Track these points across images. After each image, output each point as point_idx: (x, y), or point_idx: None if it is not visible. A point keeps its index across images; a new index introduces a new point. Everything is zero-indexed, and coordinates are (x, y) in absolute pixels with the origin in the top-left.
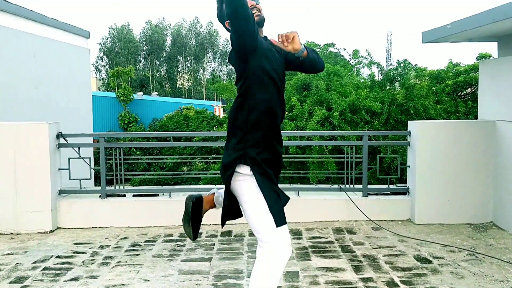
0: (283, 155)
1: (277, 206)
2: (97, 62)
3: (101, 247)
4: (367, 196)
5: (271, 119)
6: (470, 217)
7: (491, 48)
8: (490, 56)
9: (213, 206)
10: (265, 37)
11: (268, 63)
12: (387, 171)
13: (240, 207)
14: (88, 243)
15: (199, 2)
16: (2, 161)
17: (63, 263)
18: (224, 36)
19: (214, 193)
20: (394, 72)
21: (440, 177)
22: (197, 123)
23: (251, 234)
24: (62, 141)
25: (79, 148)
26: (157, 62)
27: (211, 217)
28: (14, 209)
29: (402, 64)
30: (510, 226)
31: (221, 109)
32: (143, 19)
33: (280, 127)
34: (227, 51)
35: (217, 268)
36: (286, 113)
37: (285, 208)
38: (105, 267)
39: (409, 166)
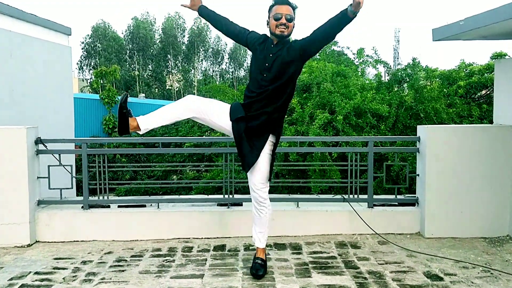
0: (283, 163)
1: None
2: (81, 62)
3: (84, 262)
4: (372, 207)
5: None
6: (485, 230)
7: (507, 46)
8: (506, 55)
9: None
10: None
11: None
12: (395, 180)
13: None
14: (69, 258)
15: None
16: None
17: (42, 280)
18: (215, 33)
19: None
20: (403, 73)
21: (452, 186)
22: (188, 128)
23: (246, 248)
24: (41, 147)
25: (59, 154)
26: (144, 61)
27: (204, 231)
28: None
29: (411, 64)
30: None
31: None
32: (129, 16)
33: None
34: (220, 49)
35: (210, 286)
36: (286, 116)
37: (283, 220)
38: (88, 284)
39: (418, 175)
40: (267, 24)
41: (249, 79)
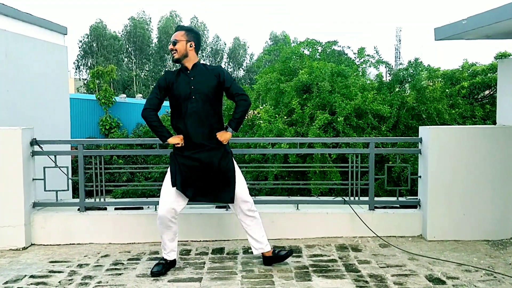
0: (282, 164)
1: None
2: (78, 62)
3: (80, 265)
4: (374, 210)
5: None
6: (488, 233)
7: (511, 46)
8: (510, 55)
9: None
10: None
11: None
12: (396, 182)
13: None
14: (65, 261)
15: None
16: None
17: (37, 284)
18: (214, 31)
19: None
20: (404, 73)
21: (454, 188)
22: None
23: (245, 251)
24: (36, 148)
25: (55, 156)
26: (141, 61)
27: (201, 234)
28: None
29: (413, 64)
30: None
31: None
32: (127, 16)
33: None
34: (218, 48)
35: None
36: (285, 117)
37: (283, 223)
38: None
39: (420, 177)
40: None
41: (173, 113)
